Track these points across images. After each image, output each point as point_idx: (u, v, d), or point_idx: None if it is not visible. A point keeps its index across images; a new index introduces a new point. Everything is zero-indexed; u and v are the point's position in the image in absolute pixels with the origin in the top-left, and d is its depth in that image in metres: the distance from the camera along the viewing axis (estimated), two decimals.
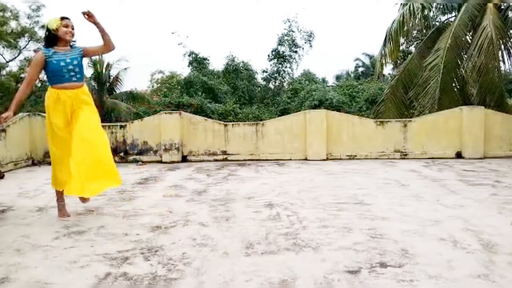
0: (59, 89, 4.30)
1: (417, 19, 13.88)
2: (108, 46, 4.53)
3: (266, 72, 23.94)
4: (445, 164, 8.70)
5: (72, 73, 4.32)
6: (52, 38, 4.35)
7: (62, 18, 4.32)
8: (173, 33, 21.66)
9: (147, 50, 73.52)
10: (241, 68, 22.76)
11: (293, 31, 23.89)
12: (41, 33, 26.06)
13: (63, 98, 4.30)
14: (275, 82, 24.81)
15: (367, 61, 40.60)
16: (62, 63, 4.27)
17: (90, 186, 4.12)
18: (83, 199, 4.87)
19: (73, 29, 4.37)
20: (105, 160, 4.29)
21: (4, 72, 25.33)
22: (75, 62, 4.34)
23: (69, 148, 4.27)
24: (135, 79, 60.29)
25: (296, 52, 24.09)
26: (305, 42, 23.95)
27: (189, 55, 23.43)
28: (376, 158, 9.82)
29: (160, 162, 9.70)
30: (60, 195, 4.69)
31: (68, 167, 4.17)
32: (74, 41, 4.50)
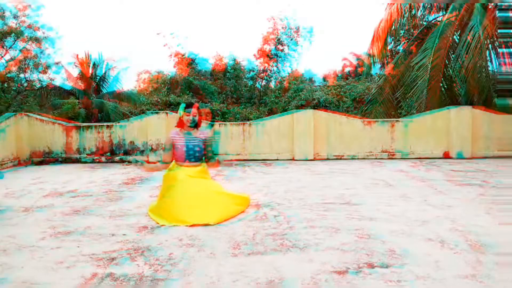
0: (179, 165, 4.91)
1: (404, 19, 13.97)
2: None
3: (254, 71, 23.92)
4: (433, 164, 8.75)
5: (191, 156, 4.90)
6: (181, 121, 4.97)
7: (187, 106, 4.91)
8: (158, 34, 21.42)
9: (136, 50, 73.15)
10: (229, 68, 22.71)
11: (277, 29, 23.85)
12: (28, 33, 25.69)
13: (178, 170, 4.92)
14: (262, 82, 24.78)
15: (354, 61, 40.74)
16: (185, 148, 4.89)
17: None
18: None
19: (195, 115, 4.93)
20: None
21: None
22: (197, 148, 4.92)
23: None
24: (122, 78, 59.90)
25: (282, 50, 24.07)
26: (291, 39, 23.92)
27: (175, 56, 23.34)
28: (364, 158, 9.85)
29: (147, 162, 9.63)
30: None
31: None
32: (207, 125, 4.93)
